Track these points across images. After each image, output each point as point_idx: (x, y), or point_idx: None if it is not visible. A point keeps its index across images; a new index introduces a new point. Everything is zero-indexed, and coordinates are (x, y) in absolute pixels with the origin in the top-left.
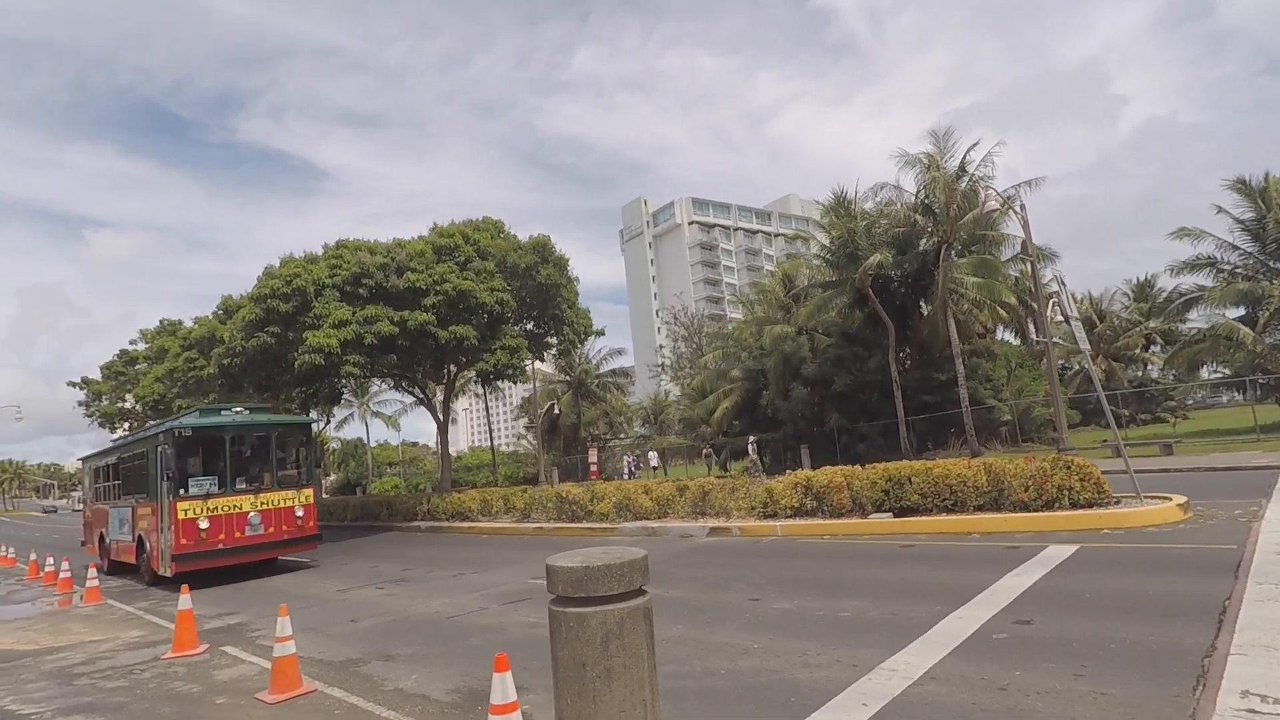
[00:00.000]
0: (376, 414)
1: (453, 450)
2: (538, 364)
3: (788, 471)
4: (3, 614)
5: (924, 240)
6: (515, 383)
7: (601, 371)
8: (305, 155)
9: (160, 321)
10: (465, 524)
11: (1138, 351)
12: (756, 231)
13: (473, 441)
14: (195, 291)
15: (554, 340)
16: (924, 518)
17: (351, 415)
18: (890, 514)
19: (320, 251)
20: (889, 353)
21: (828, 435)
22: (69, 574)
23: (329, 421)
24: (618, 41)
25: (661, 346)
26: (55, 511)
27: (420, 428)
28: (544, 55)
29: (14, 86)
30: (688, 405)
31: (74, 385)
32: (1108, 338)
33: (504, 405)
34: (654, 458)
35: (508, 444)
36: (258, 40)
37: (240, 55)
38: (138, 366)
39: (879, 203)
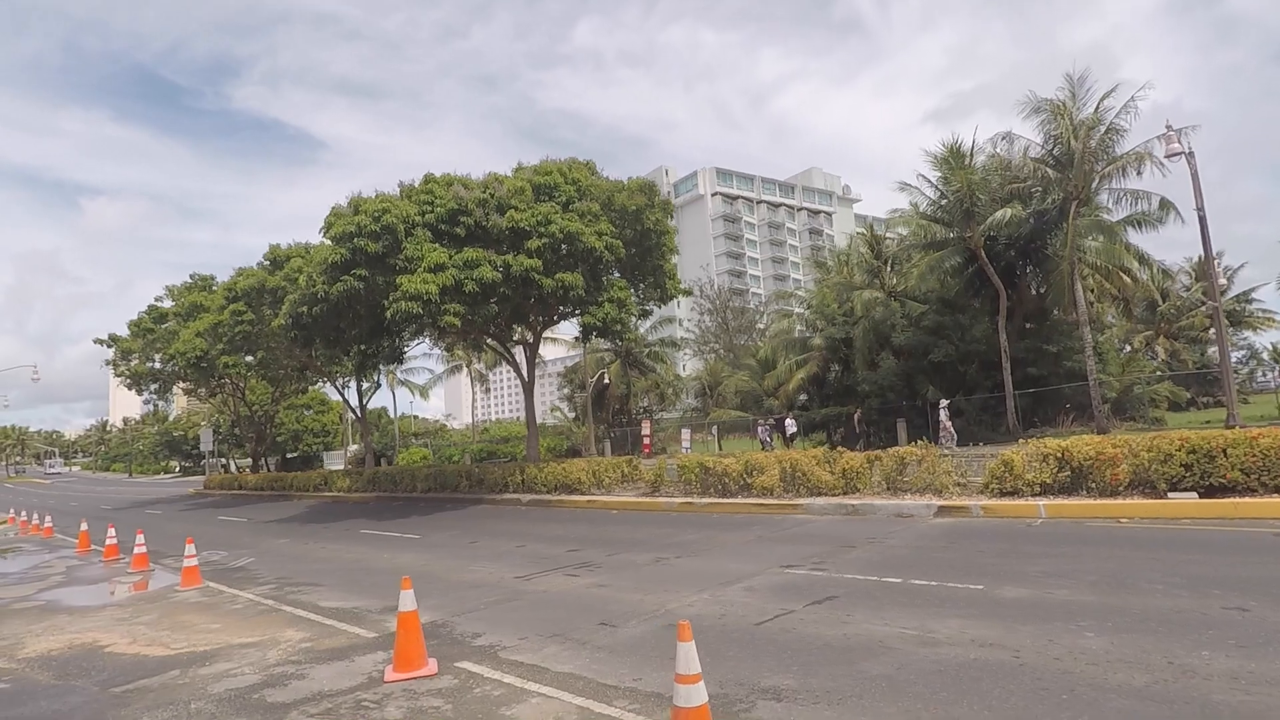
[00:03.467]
0: (404, 383)
1: (458, 424)
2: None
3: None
4: (81, 599)
5: (1041, 196)
6: (621, 340)
7: (651, 341)
8: (301, 125)
9: (191, 276)
10: (580, 498)
11: (1200, 333)
12: (780, 205)
13: (478, 414)
14: (191, 260)
15: (653, 293)
16: (1254, 499)
17: (379, 383)
18: (1194, 494)
19: (397, 190)
20: (999, 320)
21: (918, 409)
22: (144, 549)
23: (377, 389)
24: (619, 15)
25: (682, 321)
26: (24, 473)
27: (420, 404)
28: (544, 28)
29: (5, 48)
30: (748, 377)
31: (101, 343)
32: (1170, 317)
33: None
34: (791, 425)
35: (541, 414)
36: (254, 5)
37: (235, 20)
38: (166, 324)
39: (990, 155)
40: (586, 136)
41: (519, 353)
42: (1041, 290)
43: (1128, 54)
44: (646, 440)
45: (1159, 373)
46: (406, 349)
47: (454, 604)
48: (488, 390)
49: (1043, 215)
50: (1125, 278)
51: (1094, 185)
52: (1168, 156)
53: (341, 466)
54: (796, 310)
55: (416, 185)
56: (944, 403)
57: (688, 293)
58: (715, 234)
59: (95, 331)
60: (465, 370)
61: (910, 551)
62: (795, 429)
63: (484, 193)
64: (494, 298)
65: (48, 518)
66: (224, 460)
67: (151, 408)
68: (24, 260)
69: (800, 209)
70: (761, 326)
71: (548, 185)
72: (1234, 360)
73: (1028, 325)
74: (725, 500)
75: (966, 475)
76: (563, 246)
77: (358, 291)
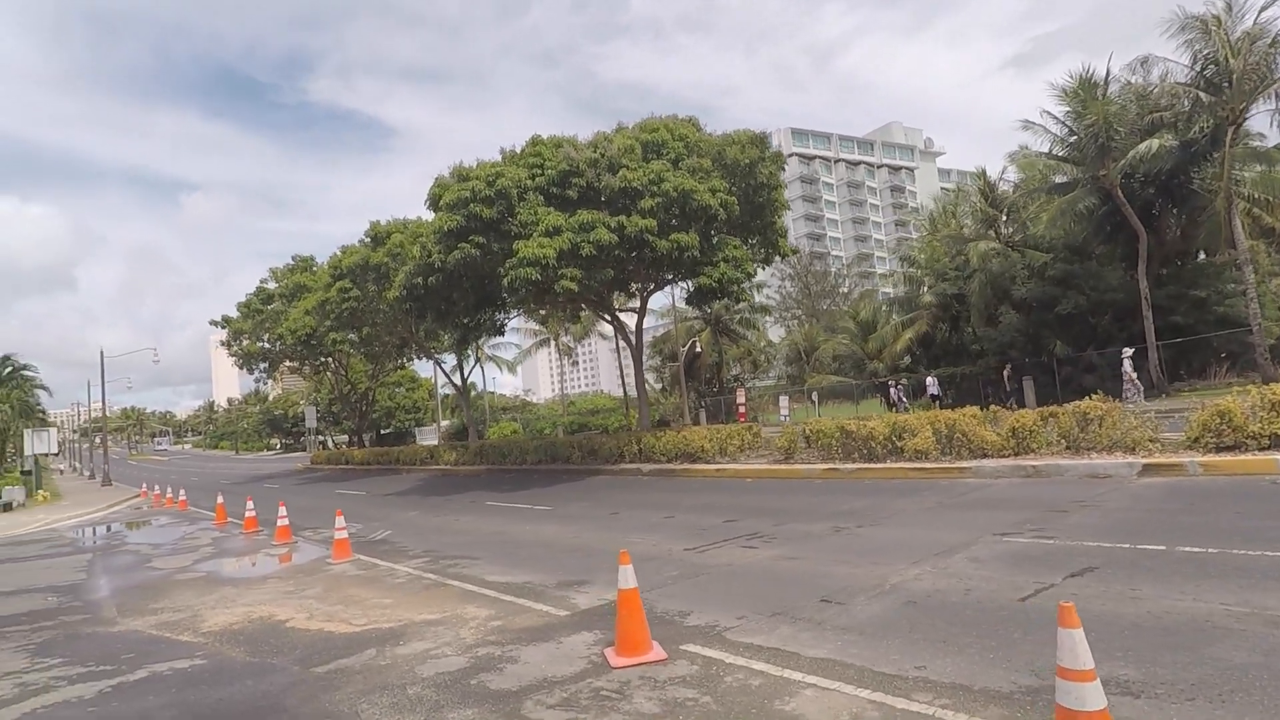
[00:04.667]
0: (492, 358)
1: (536, 399)
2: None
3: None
4: (238, 570)
5: (1185, 125)
6: (736, 301)
7: (740, 306)
8: (373, 113)
9: (293, 258)
10: (707, 467)
11: None
12: (859, 163)
13: (557, 388)
14: (280, 249)
15: (761, 252)
16: None
17: (477, 359)
18: None
19: (499, 155)
20: (1139, 266)
21: (1043, 366)
22: (287, 521)
23: (477, 363)
24: None
25: (761, 286)
26: (140, 450)
27: (497, 380)
28: None
29: (105, 57)
30: (847, 340)
31: (215, 324)
32: None
33: (592, 349)
34: (933, 384)
35: (618, 386)
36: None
37: (306, 15)
38: (272, 305)
39: (1125, 84)
40: (648, 106)
41: (607, 319)
42: (1182, 230)
43: None
44: (742, 409)
45: None
46: (508, 320)
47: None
48: (575, 363)
49: (1189, 145)
50: None
51: (1249, 108)
52: None
53: (435, 441)
54: (883, 270)
55: (519, 150)
56: (1127, 351)
57: (795, 251)
58: (792, 196)
59: (197, 319)
60: (552, 344)
61: (1143, 515)
62: (937, 389)
63: (594, 152)
64: (609, 261)
65: (181, 491)
66: (322, 437)
67: (255, 388)
68: (134, 254)
69: (880, 166)
70: (845, 290)
71: (655, 142)
72: None
73: (1163, 271)
74: (873, 465)
75: (1158, 430)
76: (675, 206)
77: (474, 259)
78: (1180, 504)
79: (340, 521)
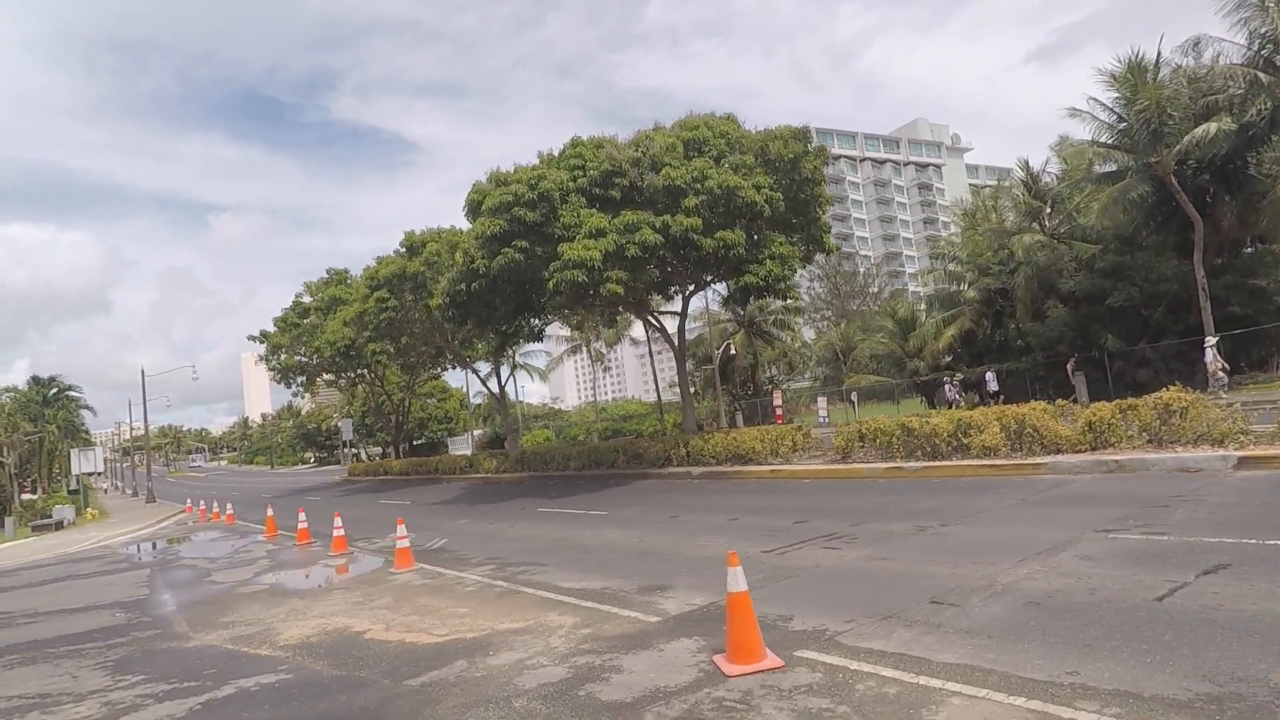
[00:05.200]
0: (523, 366)
1: (564, 406)
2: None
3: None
4: (301, 582)
5: (1240, 108)
6: (784, 299)
7: (773, 308)
8: (394, 129)
9: (327, 271)
10: (760, 468)
11: None
12: (885, 161)
13: (584, 395)
14: (306, 267)
15: (803, 248)
16: None
17: (513, 366)
18: None
19: (535, 159)
20: (1195, 254)
21: (1093, 361)
22: (343, 531)
23: (513, 371)
24: None
25: (794, 286)
26: (179, 468)
27: (525, 389)
28: (616, 8)
29: (132, 86)
30: (886, 339)
31: (253, 339)
32: None
33: (619, 356)
34: (992, 380)
35: (645, 392)
36: (341, 19)
37: (324, 35)
38: (308, 319)
39: (1176, 68)
40: (666, 113)
41: (646, 322)
42: (1239, 217)
43: None
44: (779, 411)
45: None
46: (545, 326)
47: (718, 583)
48: (607, 369)
49: (1247, 129)
50: None
51: None
52: None
53: (467, 450)
54: (912, 269)
55: (558, 153)
56: (1210, 341)
57: (838, 248)
58: None
59: (228, 338)
60: (583, 350)
61: (1257, 509)
62: (996, 384)
63: (636, 151)
64: (653, 262)
65: (228, 505)
66: (355, 450)
67: (288, 403)
68: (166, 276)
69: (907, 164)
70: (875, 290)
71: (697, 140)
72: None
73: (1219, 260)
74: (939, 463)
75: (1248, 422)
76: (720, 204)
77: (517, 263)
78: None
79: (401, 530)
